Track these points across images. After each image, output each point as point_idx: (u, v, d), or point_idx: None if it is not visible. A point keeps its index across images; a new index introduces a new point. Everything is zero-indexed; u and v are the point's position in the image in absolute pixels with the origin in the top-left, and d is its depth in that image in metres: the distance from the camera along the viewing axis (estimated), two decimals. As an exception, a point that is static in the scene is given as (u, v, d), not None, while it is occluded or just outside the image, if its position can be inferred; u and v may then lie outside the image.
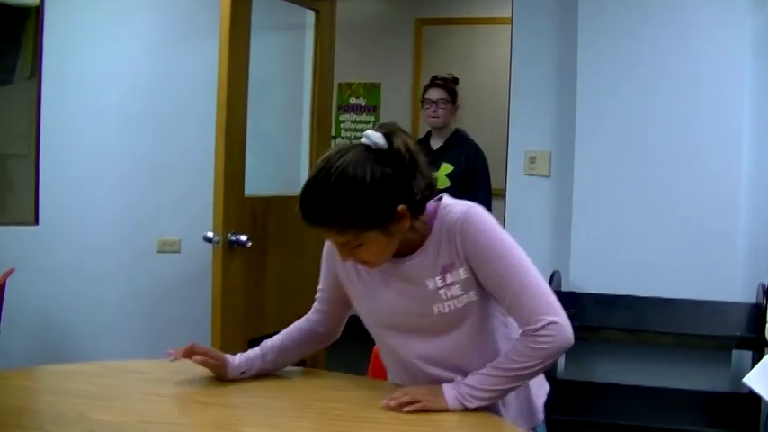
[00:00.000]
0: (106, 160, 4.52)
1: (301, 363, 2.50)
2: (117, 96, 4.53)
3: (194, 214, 4.27)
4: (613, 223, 4.08)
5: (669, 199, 4.02)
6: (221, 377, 2.26)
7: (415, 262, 2.09)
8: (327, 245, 2.25)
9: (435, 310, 2.08)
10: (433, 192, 2.08)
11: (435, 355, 2.13)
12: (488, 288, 2.06)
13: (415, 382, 2.15)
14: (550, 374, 3.94)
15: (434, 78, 4.90)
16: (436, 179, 2.14)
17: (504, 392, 2.06)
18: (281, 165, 4.63)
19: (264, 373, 2.31)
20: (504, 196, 4.47)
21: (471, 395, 2.02)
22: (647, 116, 4.03)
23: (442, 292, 2.06)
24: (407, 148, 2.00)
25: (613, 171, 4.08)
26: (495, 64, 6.39)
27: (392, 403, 2.02)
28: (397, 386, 2.20)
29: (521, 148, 4.41)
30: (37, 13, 4.42)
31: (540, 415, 2.25)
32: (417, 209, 2.03)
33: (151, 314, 4.59)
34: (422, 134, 5.08)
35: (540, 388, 2.28)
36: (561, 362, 4.17)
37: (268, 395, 2.24)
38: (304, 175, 4.53)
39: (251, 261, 3.91)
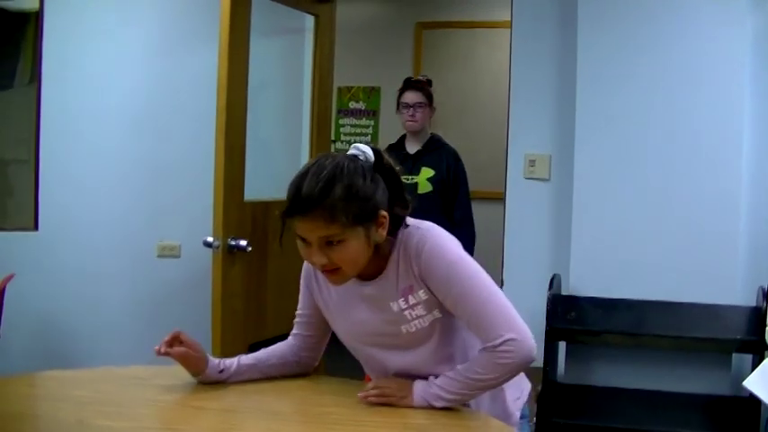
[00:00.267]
0: (106, 165, 4.53)
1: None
2: (117, 101, 4.53)
3: (194, 219, 4.27)
4: (613, 226, 4.08)
5: (669, 202, 4.01)
6: (199, 375, 2.24)
7: (378, 286, 2.14)
8: (305, 267, 2.30)
9: (403, 330, 2.13)
10: (402, 222, 2.12)
11: (409, 367, 2.18)
12: (448, 308, 2.10)
13: None
14: (550, 378, 3.96)
15: (409, 80, 4.74)
16: (413, 199, 2.17)
17: (470, 397, 2.11)
18: (280, 169, 4.62)
19: (248, 379, 2.31)
20: (504, 200, 4.47)
21: (438, 396, 2.08)
22: (647, 119, 4.03)
23: (406, 313, 2.11)
24: (392, 167, 2.10)
25: (613, 174, 4.08)
26: (495, 67, 6.39)
27: (361, 395, 2.12)
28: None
29: (521, 151, 4.41)
30: (37, 18, 4.43)
31: (515, 418, 2.28)
32: (393, 225, 2.08)
33: (151, 319, 4.58)
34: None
35: (516, 389, 2.29)
36: (561, 365, 4.17)
37: (266, 400, 2.24)
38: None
39: (251, 266, 3.91)
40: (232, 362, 2.30)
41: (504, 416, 2.23)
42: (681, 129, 4.00)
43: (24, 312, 4.27)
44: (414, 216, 2.15)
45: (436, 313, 2.11)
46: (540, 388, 3.93)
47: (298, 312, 2.38)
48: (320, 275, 2.23)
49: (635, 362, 4.09)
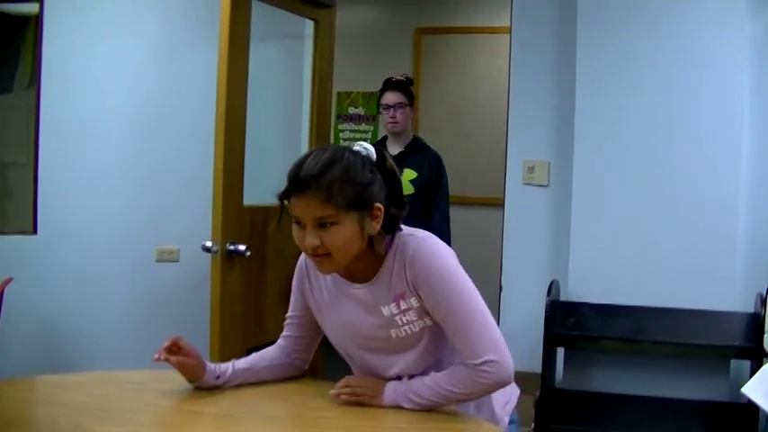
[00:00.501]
0: (105, 169, 4.53)
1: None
2: (116, 105, 4.53)
3: (193, 223, 4.26)
4: (612, 233, 4.08)
5: (668, 208, 4.02)
6: (197, 382, 2.25)
7: (370, 289, 2.16)
8: (298, 268, 2.32)
9: (393, 334, 2.15)
10: (398, 222, 2.15)
11: (397, 371, 2.19)
12: (435, 318, 2.11)
13: None
14: (548, 384, 3.96)
15: (389, 81, 4.56)
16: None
17: (439, 405, 2.11)
18: (279, 174, 4.62)
19: (242, 383, 2.31)
20: (503, 206, 4.47)
21: (409, 398, 2.10)
22: (646, 126, 4.04)
23: (397, 318, 2.13)
24: (394, 169, 2.15)
25: (612, 180, 4.08)
26: (495, 73, 6.39)
27: (332, 393, 2.16)
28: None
29: (519, 157, 4.42)
30: (36, 22, 4.43)
31: (504, 423, 2.28)
32: (388, 224, 2.11)
33: (150, 323, 4.57)
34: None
35: (504, 394, 2.28)
36: (560, 371, 4.17)
37: (262, 404, 2.24)
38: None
39: (250, 270, 3.91)
40: (227, 367, 2.30)
41: (493, 421, 2.23)
42: (680, 135, 4.01)
43: (23, 316, 4.27)
44: None
45: (427, 321, 2.13)
46: (538, 394, 3.93)
47: (289, 314, 2.39)
48: (313, 275, 2.26)
49: (633, 368, 4.09)
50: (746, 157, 4.00)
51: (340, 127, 7.07)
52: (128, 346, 4.51)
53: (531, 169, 4.39)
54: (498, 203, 4.61)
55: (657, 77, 4.02)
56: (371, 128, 7.04)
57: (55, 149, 4.41)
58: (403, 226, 2.17)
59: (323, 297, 2.26)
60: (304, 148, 4.59)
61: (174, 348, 2.21)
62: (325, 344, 2.43)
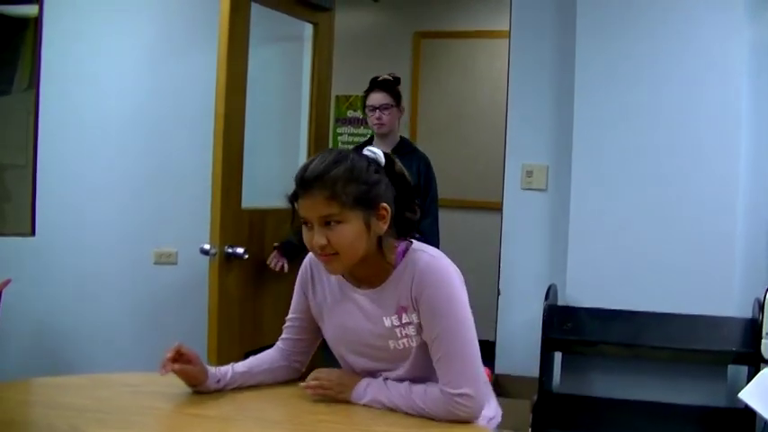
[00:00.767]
0: (103, 171, 4.52)
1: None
2: (115, 107, 4.53)
3: (191, 226, 4.27)
4: (610, 237, 4.08)
5: (666, 214, 4.02)
6: (199, 387, 2.25)
7: (375, 297, 2.18)
8: (302, 270, 2.35)
9: (391, 346, 2.17)
10: (413, 227, 2.20)
11: (393, 377, 2.21)
12: (425, 337, 2.14)
13: None
14: (546, 388, 3.96)
15: (375, 80, 4.31)
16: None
17: (403, 412, 2.13)
18: (278, 177, 4.63)
19: (241, 386, 2.32)
20: (501, 210, 4.48)
21: (379, 400, 2.15)
22: (645, 130, 4.04)
23: (397, 330, 2.15)
24: (403, 173, 2.20)
25: (610, 185, 4.09)
26: (494, 77, 6.39)
27: (302, 385, 2.21)
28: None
29: (518, 161, 4.42)
30: (35, 23, 4.43)
31: None
32: (402, 228, 2.16)
33: (148, 325, 4.58)
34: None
35: (490, 409, 2.28)
36: (557, 375, 4.17)
37: (261, 408, 2.24)
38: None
39: (248, 273, 3.91)
40: (226, 370, 2.31)
41: None
42: (678, 140, 4.01)
43: (21, 318, 4.26)
44: None
45: (423, 338, 2.15)
46: (535, 398, 3.93)
47: (290, 317, 2.40)
48: (317, 277, 2.29)
49: (631, 373, 4.09)
50: (745, 163, 4.00)
51: (339, 130, 7.07)
52: (126, 349, 4.51)
53: (529, 173, 4.40)
54: (496, 208, 4.61)
55: (656, 82, 4.02)
56: (370, 132, 7.01)
57: (54, 151, 4.41)
58: (416, 242, 2.20)
59: (325, 299, 2.28)
60: (303, 151, 4.59)
61: (176, 356, 2.21)
62: (324, 347, 2.44)
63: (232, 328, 3.82)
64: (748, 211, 4.01)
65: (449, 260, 2.16)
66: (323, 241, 2.06)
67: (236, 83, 3.80)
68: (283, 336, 2.42)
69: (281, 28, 4.56)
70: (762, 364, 3.62)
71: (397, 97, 4.27)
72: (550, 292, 4.03)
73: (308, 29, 4.59)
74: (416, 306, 2.12)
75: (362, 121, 6.95)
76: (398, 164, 2.20)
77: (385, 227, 2.11)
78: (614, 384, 4.10)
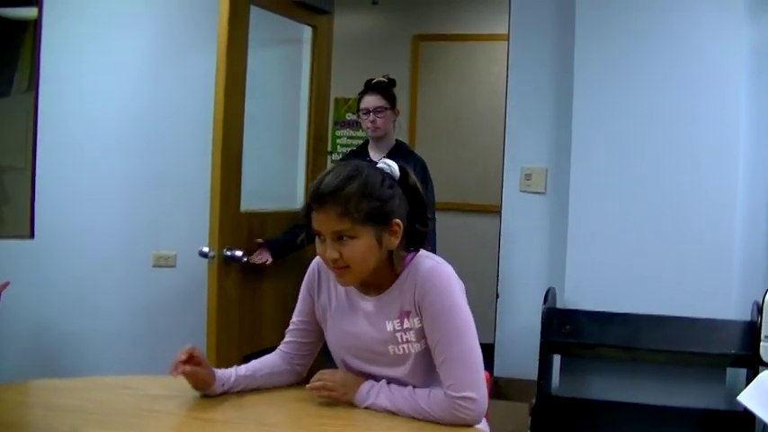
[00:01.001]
0: (102, 174, 4.53)
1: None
2: (114, 110, 4.54)
3: (190, 229, 4.27)
4: (609, 240, 4.08)
5: (665, 216, 4.02)
6: (205, 390, 2.25)
7: (379, 302, 2.21)
8: (309, 273, 2.37)
9: (391, 351, 2.21)
10: (423, 239, 2.23)
11: (392, 380, 2.23)
12: (429, 342, 2.17)
13: None
14: (545, 391, 3.96)
15: (369, 83, 4.22)
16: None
17: (407, 416, 2.15)
18: (276, 180, 4.63)
19: (246, 389, 2.33)
20: (500, 213, 4.48)
21: (381, 402, 2.16)
22: (644, 133, 4.04)
23: (398, 334, 2.19)
24: (416, 186, 2.23)
25: (609, 188, 4.08)
26: (492, 80, 6.40)
27: (308, 387, 2.23)
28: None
29: (517, 164, 4.42)
30: (35, 26, 4.43)
31: None
32: (412, 240, 2.20)
33: (146, 328, 4.58)
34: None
35: (483, 425, 2.28)
36: (556, 378, 4.17)
37: (261, 411, 2.24)
38: (300, 190, 4.54)
39: (246, 276, 3.91)
40: (230, 374, 2.31)
41: None
42: (677, 143, 4.01)
43: (20, 320, 4.26)
44: None
45: (423, 343, 2.18)
46: (534, 401, 3.93)
47: (294, 320, 2.42)
48: (324, 281, 2.32)
49: (629, 375, 4.09)
50: (743, 166, 4.00)
51: (337, 133, 7.07)
52: (125, 351, 4.51)
53: (528, 176, 4.39)
54: (495, 210, 4.61)
55: (656, 85, 4.03)
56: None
57: (53, 154, 4.41)
58: (422, 249, 2.24)
59: (330, 304, 2.31)
60: (302, 154, 4.60)
61: (189, 359, 2.22)
62: (325, 351, 2.44)
63: (231, 331, 3.82)
64: (747, 213, 4.01)
65: (451, 268, 2.20)
66: (335, 255, 2.10)
67: (236, 86, 3.80)
68: (287, 339, 2.43)
69: (280, 31, 4.56)
70: (760, 367, 3.61)
71: (391, 100, 4.18)
72: (549, 294, 4.03)
73: (307, 32, 4.59)
74: (419, 311, 2.15)
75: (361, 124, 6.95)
76: (412, 177, 2.23)
77: (397, 242, 2.16)
78: (613, 387, 4.10)
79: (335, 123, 6.99)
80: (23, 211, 4.43)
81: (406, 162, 4.05)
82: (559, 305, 4.12)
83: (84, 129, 4.50)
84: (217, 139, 3.72)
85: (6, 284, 3.87)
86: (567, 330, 4.01)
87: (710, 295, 3.96)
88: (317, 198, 2.10)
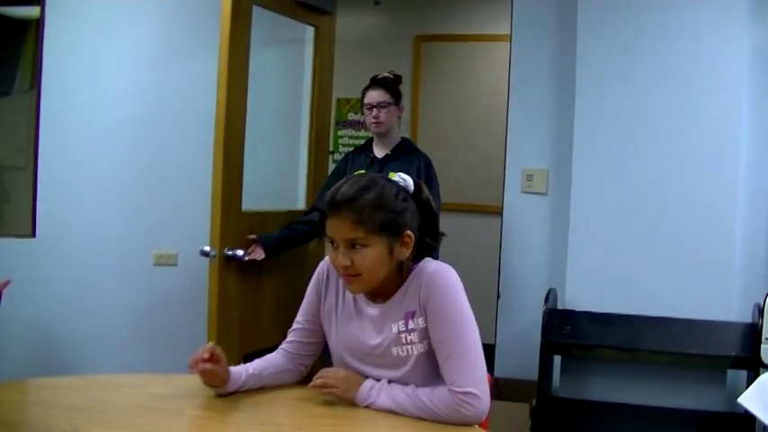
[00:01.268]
0: (104, 173, 4.53)
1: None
2: (116, 109, 4.53)
3: (191, 228, 4.27)
4: (610, 241, 4.08)
5: (665, 218, 4.02)
6: (218, 388, 2.26)
7: (385, 309, 2.26)
8: (317, 274, 2.41)
9: (394, 352, 2.24)
10: (431, 252, 2.32)
11: (391, 381, 2.25)
12: (432, 341, 2.20)
13: None
14: (545, 392, 3.96)
15: (373, 78, 4.13)
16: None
17: (409, 414, 2.16)
18: (278, 180, 4.64)
19: (252, 389, 2.34)
20: (502, 214, 4.47)
21: (382, 400, 2.18)
22: (645, 135, 4.04)
23: (402, 336, 2.22)
24: (429, 202, 2.31)
25: (610, 189, 4.08)
26: (493, 81, 6.40)
27: (311, 385, 2.26)
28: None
29: (518, 165, 4.42)
30: (37, 25, 4.43)
31: None
32: (420, 253, 2.26)
33: (147, 327, 4.57)
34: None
35: None
36: (556, 379, 4.17)
37: (262, 410, 2.24)
38: (302, 190, 4.54)
39: (247, 275, 3.91)
40: (241, 372, 2.33)
41: None
42: (678, 145, 4.01)
43: (21, 319, 4.26)
44: None
45: (426, 344, 2.22)
46: (534, 402, 3.93)
47: (299, 320, 2.44)
48: (332, 282, 2.36)
49: (630, 377, 4.09)
50: (745, 168, 4.00)
51: (339, 133, 7.07)
52: (125, 350, 4.51)
53: (529, 177, 4.39)
54: (497, 211, 4.61)
55: (657, 87, 4.02)
56: (370, 134, 7.02)
57: (54, 153, 4.41)
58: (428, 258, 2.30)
59: (336, 306, 2.35)
60: (303, 154, 4.60)
61: (210, 357, 2.24)
62: (325, 351, 2.45)
63: (231, 330, 3.82)
64: (748, 215, 4.01)
65: (454, 271, 2.25)
66: (347, 262, 2.16)
67: (238, 85, 3.80)
68: (290, 338, 2.45)
69: (282, 31, 4.56)
70: (761, 369, 3.61)
71: (396, 95, 4.09)
72: (550, 295, 4.03)
73: (309, 32, 4.60)
74: (424, 311, 2.19)
75: (363, 124, 6.94)
76: (426, 192, 2.30)
77: (408, 253, 2.22)
78: (614, 388, 4.10)
79: (337, 123, 6.98)
80: (25, 209, 4.44)
81: (411, 159, 4.13)
82: (560, 306, 4.12)
83: (85, 128, 4.49)
84: (218, 138, 3.73)
85: (7, 283, 3.88)
86: (567, 331, 4.01)
87: (711, 297, 3.96)
88: (333, 205, 2.16)
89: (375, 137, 4.13)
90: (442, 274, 2.22)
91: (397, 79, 4.16)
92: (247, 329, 3.95)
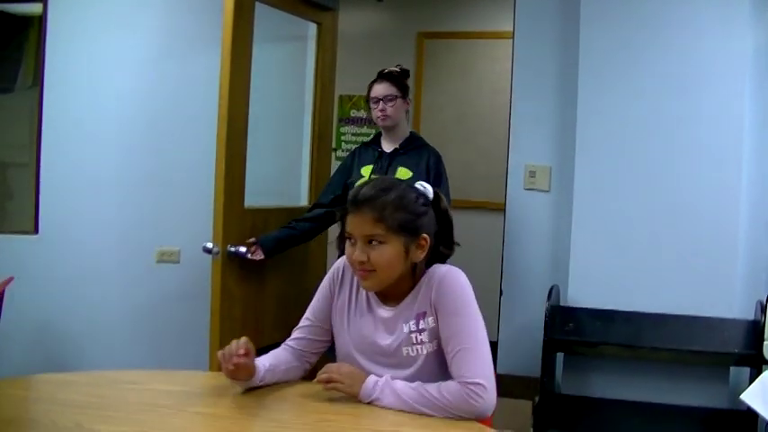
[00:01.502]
0: (106, 170, 4.53)
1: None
2: (118, 106, 4.54)
3: (194, 225, 4.27)
4: (613, 239, 4.08)
5: (668, 215, 4.01)
6: (246, 383, 2.28)
7: (397, 312, 2.30)
8: (331, 272, 2.45)
9: (404, 352, 2.28)
10: (445, 259, 2.38)
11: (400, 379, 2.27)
12: (442, 337, 2.24)
13: None
14: (548, 388, 3.96)
15: (380, 72, 4.06)
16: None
17: (415, 410, 2.17)
18: (281, 177, 4.64)
19: (267, 384, 2.35)
20: (504, 211, 4.47)
21: (387, 395, 2.20)
22: (648, 132, 4.04)
23: (413, 335, 2.28)
24: (447, 211, 2.39)
25: (613, 186, 4.08)
26: (496, 78, 6.39)
27: (316, 380, 2.27)
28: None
29: (521, 162, 4.41)
30: (39, 22, 4.44)
31: None
32: (431, 259, 2.32)
33: (150, 324, 4.58)
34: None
35: None
36: (559, 376, 4.17)
37: (267, 406, 2.25)
38: (304, 186, 4.55)
39: (250, 273, 3.91)
40: (261, 367, 2.34)
41: None
42: (681, 142, 4.01)
43: (23, 315, 4.27)
44: None
45: (435, 344, 2.25)
46: (537, 399, 3.93)
47: (309, 317, 2.46)
48: (347, 281, 2.39)
49: (632, 374, 4.09)
50: (747, 164, 4.00)
51: (342, 130, 7.07)
52: (128, 346, 4.52)
53: (532, 174, 4.39)
54: (499, 208, 4.60)
55: (660, 84, 4.02)
56: (373, 131, 7.01)
57: (57, 150, 4.42)
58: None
59: (349, 305, 2.39)
60: (306, 151, 4.60)
61: (245, 354, 2.26)
62: (329, 348, 2.45)
63: (234, 327, 3.82)
64: (751, 212, 4.00)
65: (464, 274, 2.30)
66: (363, 258, 2.22)
67: (240, 82, 3.80)
68: (299, 335, 2.46)
69: (284, 27, 4.56)
70: (764, 366, 3.61)
71: (402, 89, 4.01)
72: (553, 292, 4.03)
73: (311, 28, 4.60)
74: (435, 310, 2.24)
75: (366, 121, 6.96)
76: (444, 201, 2.38)
77: (423, 255, 2.28)
78: (616, 385, 4.09)
79: (340, 120, 6.98)
80: (28, 206, 4.45)
81: (420, 153, 4.06)
82: (563, 303, 4.12)
83: (88, 125, 4.50)
84: (221, 135, 3.73)
85: (10, 280, 3.89)
86: (570, 328, 4.01)
87: (714, 294, 3.96)
88: (356, 202, 2.24)
89: (383, 131, 4.06)
90: (453, 275, 2.27)
91: (404, 73, 4.09)
92: (250, 327, 3.95)
